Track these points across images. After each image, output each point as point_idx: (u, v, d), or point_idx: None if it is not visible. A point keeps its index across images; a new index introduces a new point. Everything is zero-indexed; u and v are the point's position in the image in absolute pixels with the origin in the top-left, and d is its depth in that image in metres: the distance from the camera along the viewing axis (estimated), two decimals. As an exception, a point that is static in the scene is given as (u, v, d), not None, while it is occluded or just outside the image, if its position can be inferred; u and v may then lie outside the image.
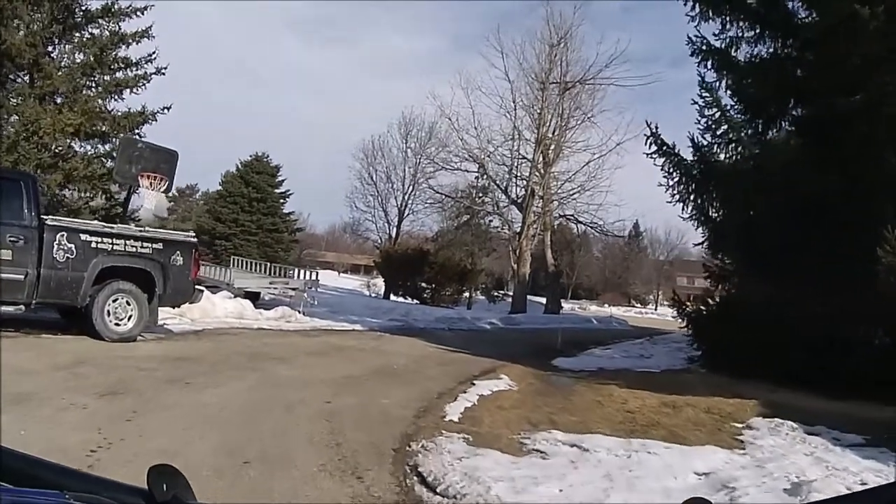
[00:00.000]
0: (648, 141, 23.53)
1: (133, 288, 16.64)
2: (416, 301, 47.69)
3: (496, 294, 60.29)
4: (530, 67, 49.22)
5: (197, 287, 18.31)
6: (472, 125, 49.59)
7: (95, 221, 18.15)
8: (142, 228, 17.78)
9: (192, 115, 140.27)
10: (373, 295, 53.96)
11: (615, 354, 26.90)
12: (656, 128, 23.58)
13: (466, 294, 53.37)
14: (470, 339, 26.95)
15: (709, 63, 22.39)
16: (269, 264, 32.38)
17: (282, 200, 60.81)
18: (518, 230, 48.84)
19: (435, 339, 25.37)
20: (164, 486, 1.61)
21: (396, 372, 16.76)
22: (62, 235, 15.74)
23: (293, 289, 27.41)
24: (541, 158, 48.56)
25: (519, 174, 50.39)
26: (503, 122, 50.07)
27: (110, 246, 16.39)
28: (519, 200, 49.78)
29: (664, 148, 23.39)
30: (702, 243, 28.21)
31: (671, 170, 23.41)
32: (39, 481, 1.60)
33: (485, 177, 52.93)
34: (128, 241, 16.67)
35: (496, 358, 20.70)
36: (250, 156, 60.67)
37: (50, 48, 24.36)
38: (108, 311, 16.28)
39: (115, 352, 14.82)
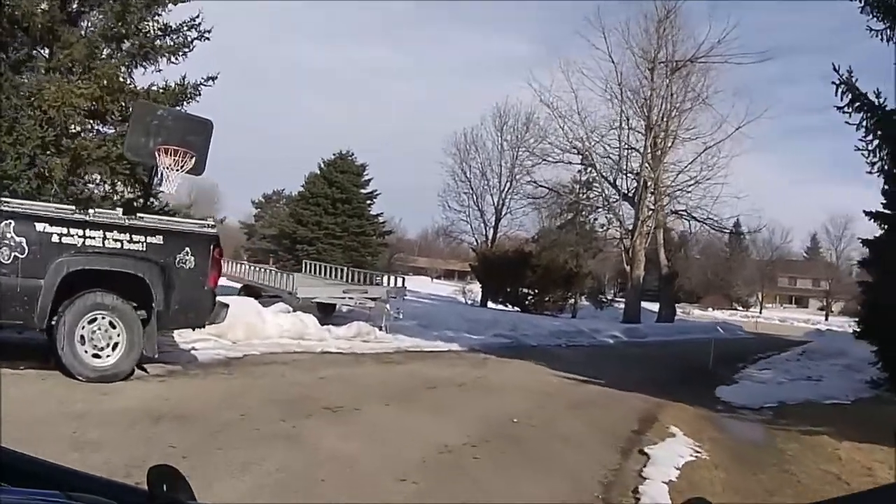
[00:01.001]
0: (839, 90, 16.80)
1: (118, 302, 10.72)
2: (516, 308, 41.72)
3: (604, 299, 53.55)
4: (637, 46, 42.71)
5: (219, 300, 12.08)
6: (574, 111, 43.11)
7: (59, 205, 11.79)
8: (135, 216, 11.47)
9: (273, 115, 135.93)
10: (468, 302, 47.85)
11: (780, 378, 21.98)
12: (849, 74, 16.96)
13: (571, 300, 46.78)
14: (597, 360, 21.42)
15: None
16: (346, 269, 26.21)
17: (368, 201, 55.76)
18: (630, 227, 42.08)
19: (554, 361, 19.41)
20: (164, 486, 1.56)
21: (517, 432, 10.38)
22: (6, 225, 9.83)
23: (373, 298, 21.24)
24: (651, 146, 41.78)
25: (628, 165, 43.85)
26: (608, 108, 43.64)
27: (81, 240, 10.46)
28: (630, 194, 43.13)
29: (863, 100, 16.70)
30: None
31: (872, 129, 16.77)
32: (39, 481, 1.55)
33: (589, 169, 46.62)
34: (109, 234, 10.65)
35: (645, 392, 15.35)
36: (333, 154, 55.93)
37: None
38: (82, 337, 10.42)
39: (70, 403, 8.97)
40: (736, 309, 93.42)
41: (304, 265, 29.96)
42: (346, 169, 54.34)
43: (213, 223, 12.47)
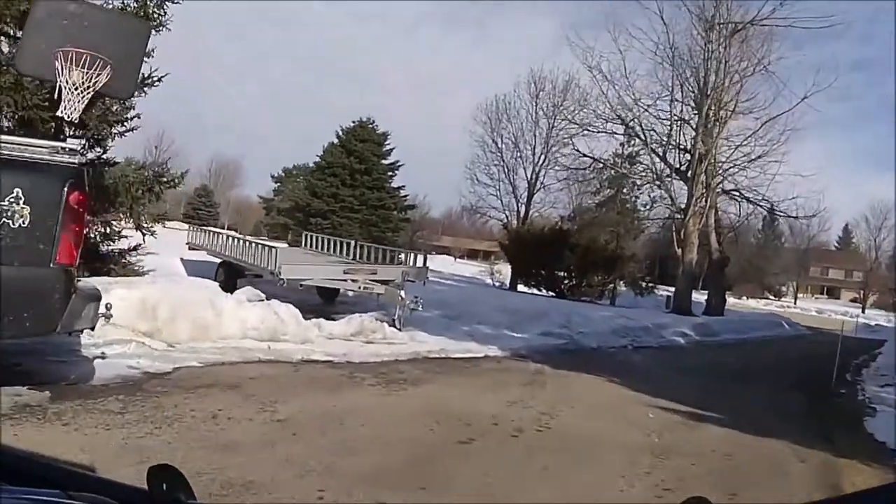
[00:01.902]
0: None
1: None
2: (551, 293, 35.94)
3: (645, 285, 47.73)
4: (692, 4, 36.30)
5: (85, 287, 6.58)
6: (621, 75, 37.04)
7: None
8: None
9: (291, 86, 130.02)
10: (496, 284, 41.89)
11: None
12: None
13: (611, 285, 41.13)
14: (685, 374, 15.79)
15: None
16: (356, 244, 20.55)
17: (390, 173, 51.10)
18: (683, 206, 36.12)
19: (633, 376, 14.00)
20: (164, 486, 1.51)
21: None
22: None
23: (384, 282, 15.67)
24: (706, 116, 35.76)
25: (679, 137, 37.70)
26: (659, 74, 37.45)
27: None
28: (683, 168, 37.20)
29: None
30: None
31: None
32: (39, 481, 1.51)
33: (633, 142, 40.70)
34: None
35: (786, 435, 10.04)
36: (353, 122, 50.93)
37: None
38: None
39: None
40: (769, 298, 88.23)
41: (304, 238, 24.34)
42: (367, 137, 49.79)
43: (74, 147, 6.81)
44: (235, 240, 19.68)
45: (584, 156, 39.52)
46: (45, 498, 1.41)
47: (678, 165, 37.18)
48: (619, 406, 10.79)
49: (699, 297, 40.79)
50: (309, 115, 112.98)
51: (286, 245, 28.23)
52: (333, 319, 13.91)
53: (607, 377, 13.21)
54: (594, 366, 14.49)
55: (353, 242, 20.86)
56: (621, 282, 42.97)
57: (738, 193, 38.80)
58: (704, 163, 35.15)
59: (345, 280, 15.96)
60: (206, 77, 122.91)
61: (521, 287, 39.10)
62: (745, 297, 79.82)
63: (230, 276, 17.72)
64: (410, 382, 10.55)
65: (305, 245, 23.10)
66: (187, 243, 21.36)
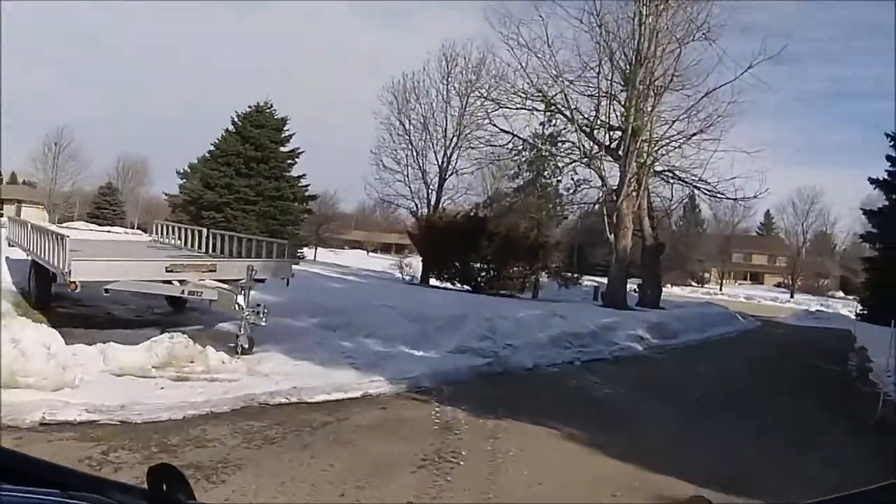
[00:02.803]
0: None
1: None
2: (466, 287, 31.76)
3: (571, 275, 43.20)
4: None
5: None
6: (543, 42, 32.16)
7: None
8: None
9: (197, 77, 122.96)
10: (406, 278, 36.96)
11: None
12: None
13: (533, 277, 36.70)
14: (683, 410, 10.74)
15: None
16: (220, 236, 15.47)
17: (289, 161, 45.87)
18: (615, 187, 31.49)
19: (602, 422, 9.29)
20: (164, 486, 1.52)
21: None
22: None
23: (223, 283, 10.81)
24: (639, 89, 31.22)
25: (610, 112, 33.07)
26: (586, 42, 32.74)
27: None
28: (613, 145, 32.66)
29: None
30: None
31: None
32: (39, 481, 1.49)
33: (555, 121, 36.17)
34: None
35: None
36: (249, 106, 45.56)
37: None
38: None
39: None
40: (693, 285, 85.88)
41: (154, 228, 19.21)
42: (264, 123, 44.79)
43: None
44: (30, 228, 14.42)
45: (503, 131, 34.52)
46: (44, 498, 1.39)
47: (608, 143, 32.72)
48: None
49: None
50: (216, 108, 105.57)
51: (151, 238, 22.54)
52: (130, 344, 9.01)
53: (560, 427, 8.37)
54: (536, 404, 9.79)
55: (205, 231, 15.82)
56: (544, 272, 38.59)
57: (672, 174, 34.49)
58: (638, 138, 30.74)
59: (169, 282, 11.00)
60: (113, 71, 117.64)
61: (434, 281, 34.41)
62: (669, 285, 76.76)
63: (41, 281, 13.15)
64: (202, 472, 5.70)
65: (158, 235, 18.01)
66: (7, 239, 16.43)
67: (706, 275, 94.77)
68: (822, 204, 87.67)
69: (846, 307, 60.66)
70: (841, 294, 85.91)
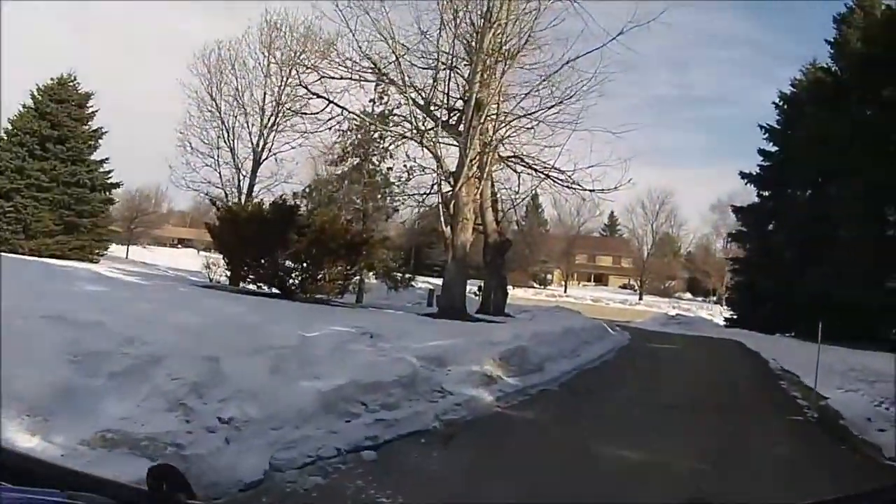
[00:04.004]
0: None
1: None
2: (277, 291, 25.41)
3: (402, 276, 37.40)
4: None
5: None
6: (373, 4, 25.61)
7: None
8: None
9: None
10: (214, 280, 30.07)
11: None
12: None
13: (356, 277, 30.97)
14: None
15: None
16: None
17: (90, 142, 40.06)
18: (454, 171, 25.42)
19: None
20: (164, 485, 1.55)
21: None
22: None
23: None
24: (484, 58, 25.27)
25: (450, 83, 27.14)
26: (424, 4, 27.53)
27: None
28: (453, 122, 26.74)
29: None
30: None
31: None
32: (39, 481, 1.53)
33: (386, 98, 31.44)
34: None
35: None
36: (52, 79, 39.76)
37: None
38: None
39: None
40: (536, 287, 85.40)
41: None
42: (66, 98, 39.26)
43: None
44: None
45: (329, 101, 27.87)
46: (45, 498, 1.41)
47: (447, 119, 26.74)
48: None
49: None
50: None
51: None
52: None
53: None
54: None
55: None
56: (371, 273, 32.70)
57: (520, 160, 28.73)
58: (483, 113, 24.79)
59: None
60: None
61: (243, 284, 28.03)
62: (511, 287, 73.13)
63: None
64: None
65: None
66: None
67: (549, 276, 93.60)
68: (672, 205, 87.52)
69: (702, 309, 58.94)
70: (689, 295, 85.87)
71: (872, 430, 9.80)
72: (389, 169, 35.28)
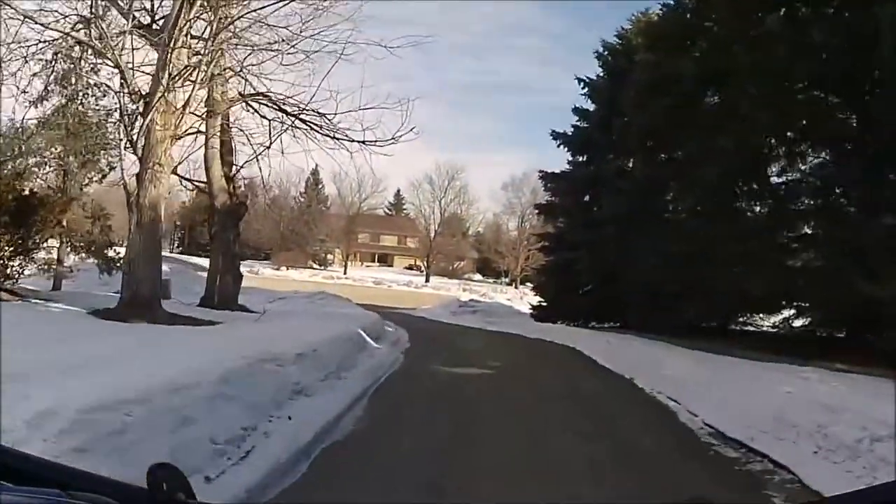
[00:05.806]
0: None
1: None
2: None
3: (116, 257, 28.14)
4: None
5: None
6: None
7: None
8: None
9: None
10: None
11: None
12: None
13: (50, 255, 22.43)
14: None
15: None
16: None
17: None
18: (148, 91, 16.28)
19: None
20: (164, 485, 1.51)
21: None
22: None
23: None
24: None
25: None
26: None
27: None
28: (154, 23, 17.58)
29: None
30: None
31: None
32: (39, 480, 1.49)
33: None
34: None
35: None
36: None
37: None
38: None
39: None
40: (314, 267, 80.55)
41: None
42: None
43: None
44: None
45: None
46: (45, 498, 1.37)
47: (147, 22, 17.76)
48: None
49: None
50: None
51: None
52: None
53: None
54: None
55: None
56: (73, 251, 24.34)
57: (266, 99, 19.84)
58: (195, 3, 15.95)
59: None
60: None
61: None
62: (285, 268, 72.46)
63: None
64: None
65: None
66: None
67: (329, 256, 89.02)
68: (462, 181, 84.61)
69: (497, 293, 54.21)
70: (479, 277, 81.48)
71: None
72: (109, 113, 25.42)
